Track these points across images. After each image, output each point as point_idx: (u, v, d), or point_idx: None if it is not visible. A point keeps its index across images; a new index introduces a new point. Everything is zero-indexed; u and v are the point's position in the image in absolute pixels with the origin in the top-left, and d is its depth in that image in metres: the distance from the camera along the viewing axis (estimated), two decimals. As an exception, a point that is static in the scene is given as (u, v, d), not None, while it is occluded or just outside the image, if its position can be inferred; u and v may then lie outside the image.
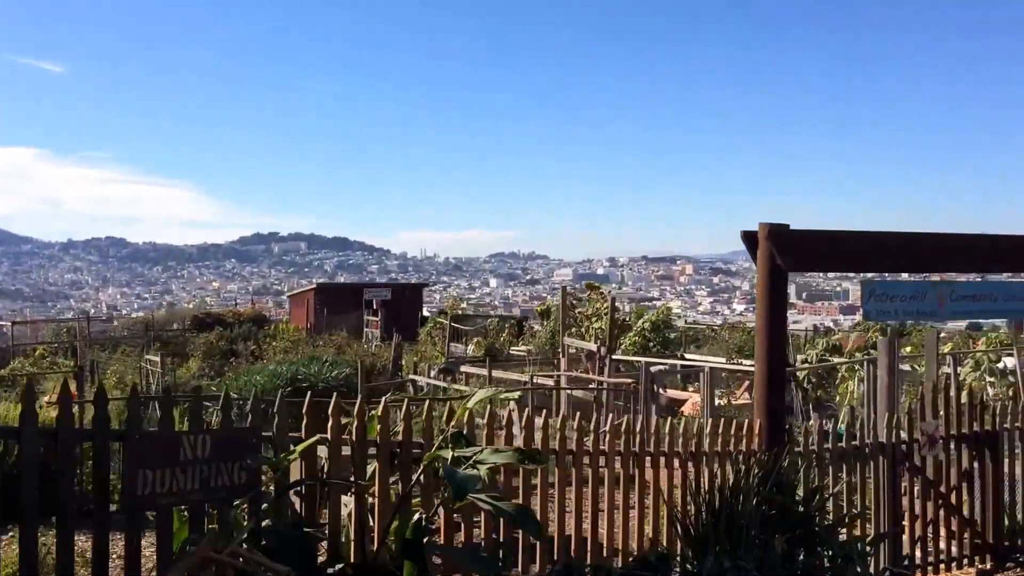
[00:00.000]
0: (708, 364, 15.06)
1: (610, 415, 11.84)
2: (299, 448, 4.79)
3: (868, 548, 6.74)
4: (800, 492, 6.67)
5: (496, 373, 16.43)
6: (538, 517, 5.35)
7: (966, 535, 7.87)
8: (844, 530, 7.01)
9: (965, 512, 7.84)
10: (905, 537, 7.51)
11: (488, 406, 6.06)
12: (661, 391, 14.67)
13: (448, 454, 4.27)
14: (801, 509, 6.48)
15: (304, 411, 5.04)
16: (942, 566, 7.68)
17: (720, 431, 6.87)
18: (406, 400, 7.36)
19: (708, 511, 6.19)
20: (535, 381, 14.60)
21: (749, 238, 6.77)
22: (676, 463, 6.60)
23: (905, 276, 7.67)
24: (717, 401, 15.42)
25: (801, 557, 6.38)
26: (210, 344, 23.38)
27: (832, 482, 7.17)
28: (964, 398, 8.07)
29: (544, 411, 6.67)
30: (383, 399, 5.57)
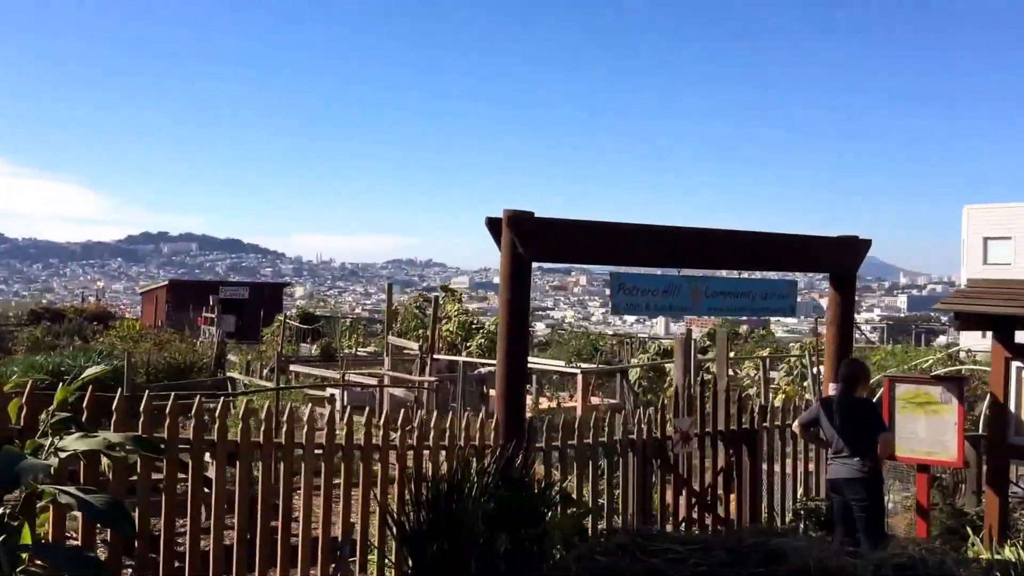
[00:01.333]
0: (537, 366, 14.92)
1: (419, 412, 11.53)
2: None
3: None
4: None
5: (326, 372, 16.09)
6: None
7: (721, 532, 7.78)
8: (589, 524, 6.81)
9: (721, 511, 7.75)
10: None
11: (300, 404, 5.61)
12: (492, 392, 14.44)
13: (47, 441, 3.81)
14: (535, 505, 6.23)
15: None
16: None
17: (464, 426, 6.59)
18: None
19: (429, 506, 5.88)
20: (349, 379, 14.25)
21: (493, 226, 6.49)
22: (402, 456, 6.27)
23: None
24: (546, 403, 15.36)
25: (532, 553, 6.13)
26: (36, 338, 22.25)
27: (579, 479, 6.96)
28: (723, 397, 7.99)
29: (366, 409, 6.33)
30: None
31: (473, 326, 22.20)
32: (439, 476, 5.95)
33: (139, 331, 23.42)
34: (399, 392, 13.76)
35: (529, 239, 6.41)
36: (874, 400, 8.11)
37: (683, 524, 7.50)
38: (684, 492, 7.52)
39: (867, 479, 6.84)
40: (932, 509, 8.70)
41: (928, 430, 7.85)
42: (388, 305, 14.86)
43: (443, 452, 6.36)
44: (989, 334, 7.38)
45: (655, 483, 7.38)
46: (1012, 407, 7.33)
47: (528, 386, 14.76)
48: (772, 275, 7.98)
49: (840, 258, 8.12)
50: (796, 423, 7.44)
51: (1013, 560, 6.82)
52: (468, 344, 21.23)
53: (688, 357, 10.68)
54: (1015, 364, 7.34)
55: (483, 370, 14.91)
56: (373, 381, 14.36)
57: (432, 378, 13.68)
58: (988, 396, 7.74)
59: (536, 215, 6.48)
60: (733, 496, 7.85)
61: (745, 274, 8.60)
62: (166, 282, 32.85)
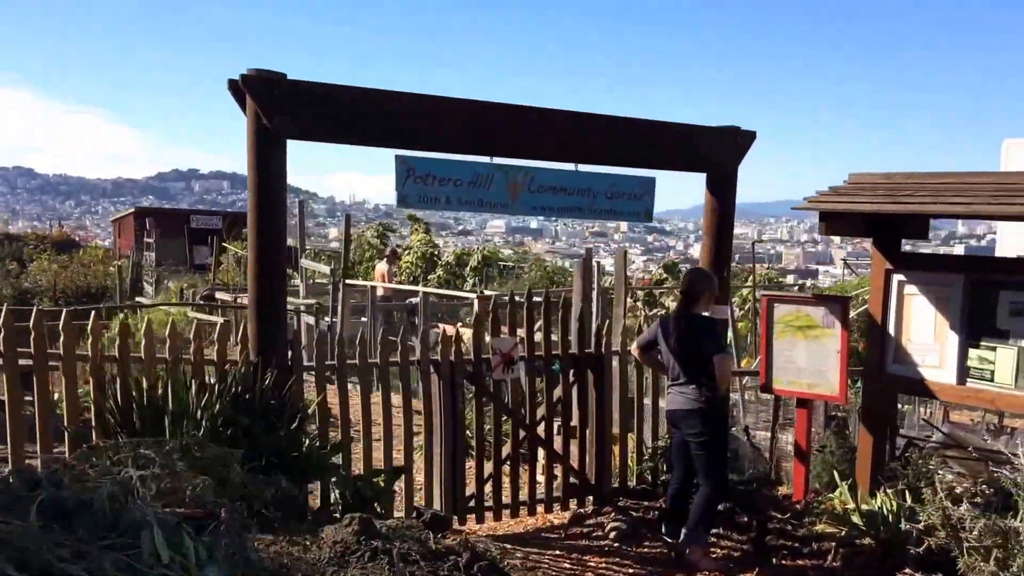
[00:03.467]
0: (470, 296, 13.89)
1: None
2: None
3: (389, 483, 5.52)
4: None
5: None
6: None
7: (557, 471, 6.75)
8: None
9: (559, 446, 6.69)
10: (473, 470, 6.33)
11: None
12: (424, 323, 13.45)
13: None
14: (282, 433, 5.23)
15: None
16: (523, 509, 6.52)
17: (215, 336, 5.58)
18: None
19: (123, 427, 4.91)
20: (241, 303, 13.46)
21: (237, 92, 5.38)
22: (97, 368, 5.26)
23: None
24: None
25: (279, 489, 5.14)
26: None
27: (343, 404, 5.94)
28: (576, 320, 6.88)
29: None
30: None
31: (436, 258, 21.23)
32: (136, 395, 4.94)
33: (100, 259, 22.83)
34: (312, 319, 12.83)
35: (278, 108, 5.28)
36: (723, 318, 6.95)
37: (507, 461, 6.46)
38: (513, 425, 6.47)
39: (704, 411, 5.73)
40: (822, 451, 7.56)
41: (809, 358, 6.69)
42: (346, 233, 13.88)
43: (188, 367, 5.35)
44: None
45: (487, 414, 6.34)
46: (892, 329, 6.13)
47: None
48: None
49: (716, 153, 6.92)
50: (635, 345, 6.32)
51: (875, 509, 5.70)
52: (428, 277, 20.33)
53: (588, 282, 9.53)
54: (897, 277, 6.12)
55: (415, 300, 14.04)
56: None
57: (311, 300, 12.71)
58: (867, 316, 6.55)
59: (289, 77, 5.35)
60: (589, 432, 6.77)
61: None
62: (132, 210, 32.14)
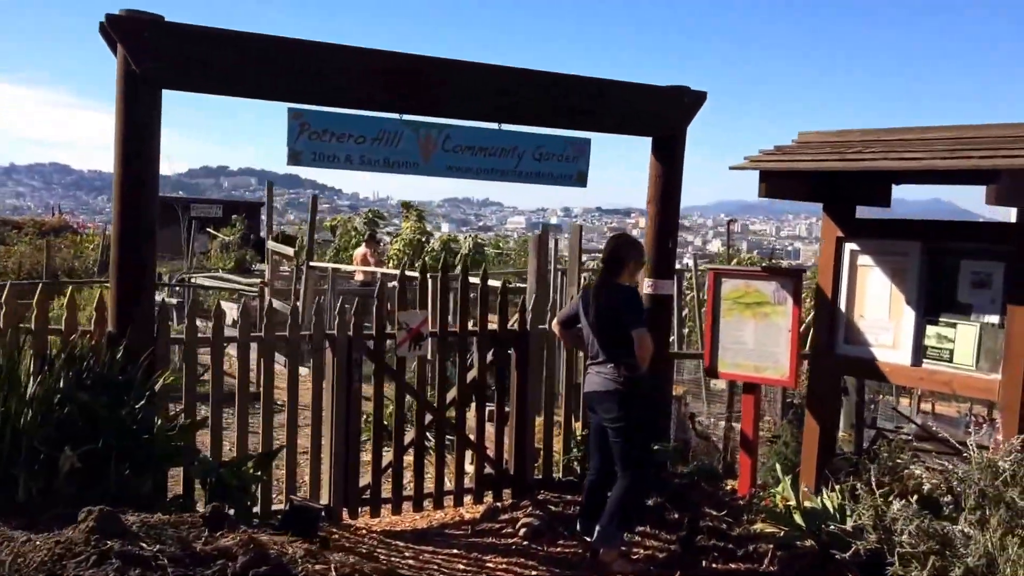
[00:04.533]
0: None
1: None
2: None
3: (259, 470, 4.87)
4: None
5: (219, 283, 14.93)
6: None
7: (468, 460, 6.09)
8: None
9: (477, 434, 6.02)
10: (368, 457, 5.68)
11: None
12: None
13: None
14: (124, 413, 4.59)
15: None
16: (428, 502, 5.86)
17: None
18: None
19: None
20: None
21: (105, 34, 4.74)
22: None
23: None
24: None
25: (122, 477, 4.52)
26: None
27: (215, 382, 5.29)
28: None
29: None
30: None
31: (425, 245, 20.60)
32: None
33: (78, 242, 22.37)
34: (277, 304, 12.25)
35: (149, 52, 4.66)
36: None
37: (410, 447, 5.80)
38: (422, 407, 5.81)
39: (622, 393, 5.05)
40: (775, 442, 6.86)
41: (758, 338, 6.01)
42: (311, 215, 13.32)
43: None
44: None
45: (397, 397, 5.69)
46: (843, 305, 5.42)
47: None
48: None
49: (661, 115, 6.24)
50: (555, 321, 5.64)
51: (817, 508, 5.00)
52: (415, 264, 19.70)
53: (543, 260, 8.86)
54: (849, 246, 5.40)
55: (393, 284, 13.40)
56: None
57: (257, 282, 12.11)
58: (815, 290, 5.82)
59: (167, 20, 4.71)
60: (509, 417, 6.11)
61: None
62: None
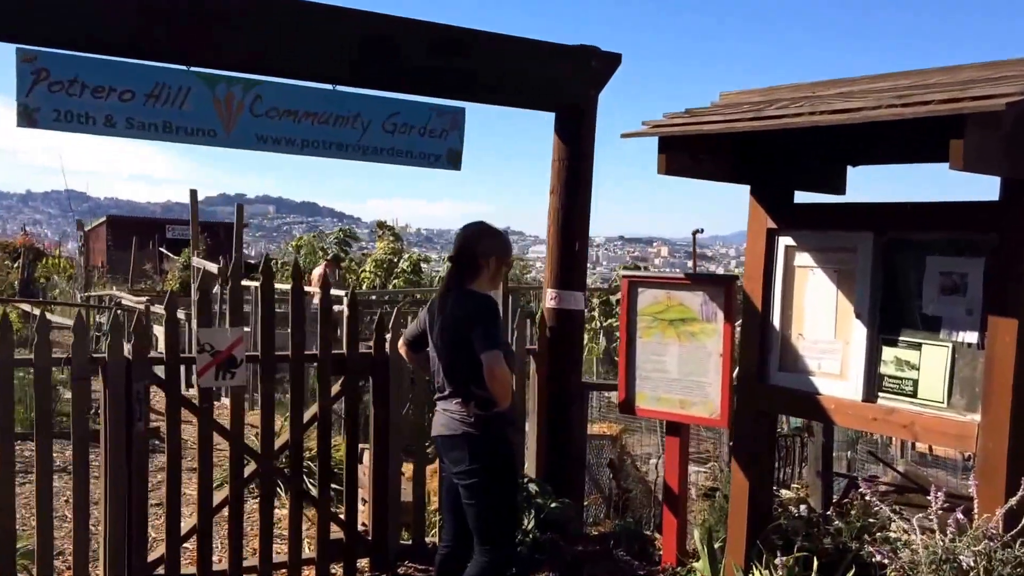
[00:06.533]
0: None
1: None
2: None
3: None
4: None
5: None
6: None
7: (306, 521, 4.77)
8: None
9: (328, 490, 4.71)
10: (163, 520, 4.37)
11: None
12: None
13: None
14: None
15: None
16: None
17: None
18: None
19: None
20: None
21: None
22: None
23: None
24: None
25: None
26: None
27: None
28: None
29: None
30: None
31: (396, 265, 19.39)
32: None
33: (56, 267, 21.42)
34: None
35: None
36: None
37: (222, 507, 4.48)
38: (231, 454, 4.51)
39: (473, 438, 3.74)
40: (712, 496, 5.50)
41: (682, 365, 4.68)
42: (237, 225, 12.24)
43: None
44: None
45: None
46: (777, 320, 4.07)
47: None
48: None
49: (563, 81, 4.99)
50: (401, 340, 4.31)
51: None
52: (386, 285, 18.50)
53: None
54: (783, 241, 4.06)
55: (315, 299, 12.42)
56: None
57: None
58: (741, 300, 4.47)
59: None
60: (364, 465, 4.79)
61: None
62: (104, 219, 30.86)
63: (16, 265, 18.75)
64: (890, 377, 3.63)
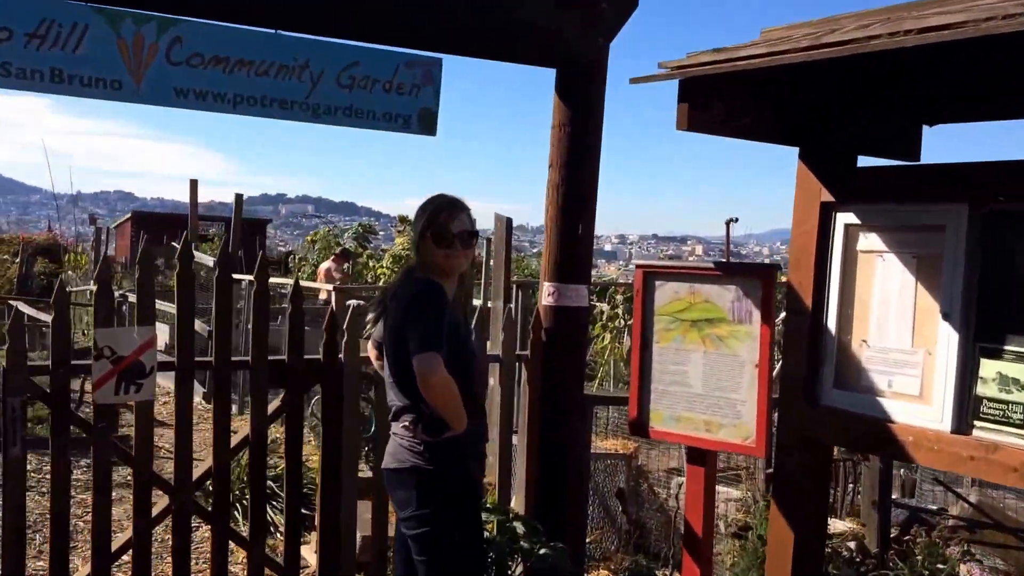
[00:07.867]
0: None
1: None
2: None
3: None
4: None
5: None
6: None
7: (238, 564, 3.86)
8: None
9: (247, 524, 3.79)
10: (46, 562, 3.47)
11: None
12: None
13: None
14: None
15: None
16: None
17: None
18: None
19: None
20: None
21: None
22: None
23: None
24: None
25: None
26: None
27: None
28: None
29: None
30: None
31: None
32: None
33: (74, 264, 20.88)
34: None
35: None
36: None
37: (124, 550, 3.57)
38: (134, 484, 3.60)
39: (423, 473, 2.82)
40: (743, 536, 4.53)
41: (708, 378, 3.72)
42: (235, 216, 11.48)
43: None
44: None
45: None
46: (833, 322, 3.08)
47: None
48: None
49: (563, 30, 4.04)
50: (369, 344, 3.34)
51: None
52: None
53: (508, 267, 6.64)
54: (842, 218, 3.07)
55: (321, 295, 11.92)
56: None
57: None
58: (785, 294, 3.49)
59: None
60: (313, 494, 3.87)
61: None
62: (129, 215, 30.32)
63: (16, 261, 18.36)
64: (991, 400, 2.64)
